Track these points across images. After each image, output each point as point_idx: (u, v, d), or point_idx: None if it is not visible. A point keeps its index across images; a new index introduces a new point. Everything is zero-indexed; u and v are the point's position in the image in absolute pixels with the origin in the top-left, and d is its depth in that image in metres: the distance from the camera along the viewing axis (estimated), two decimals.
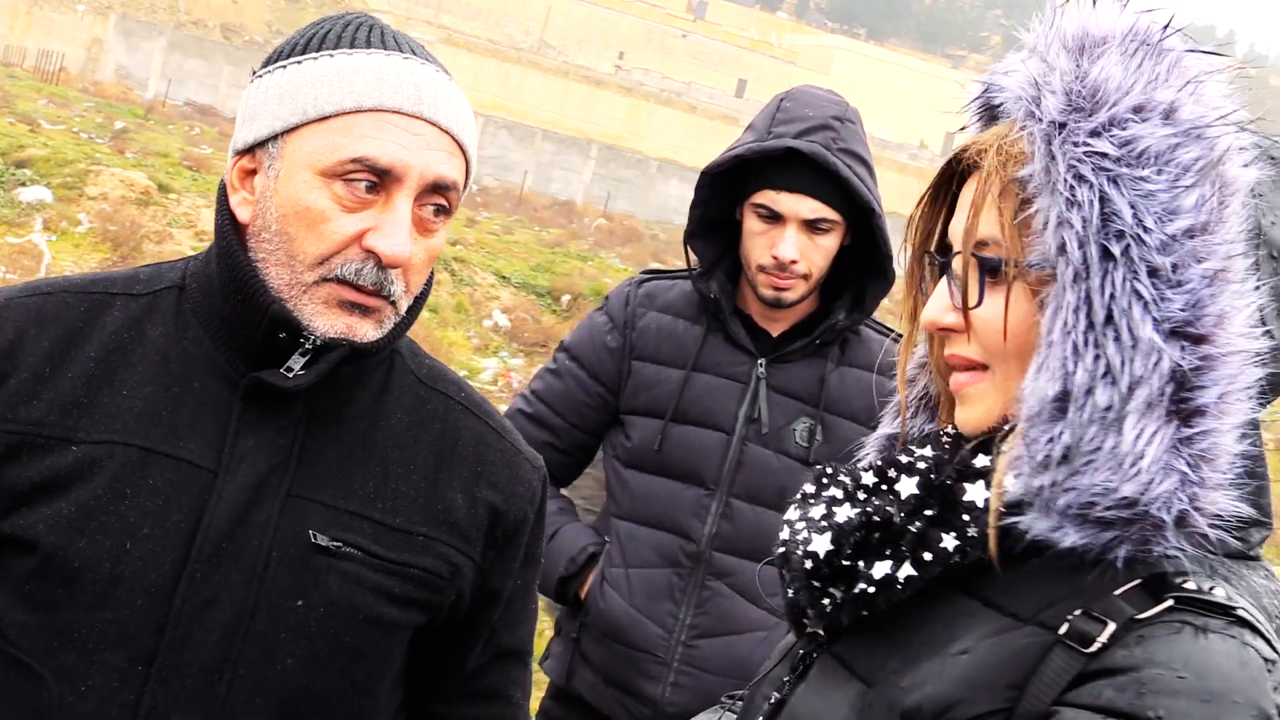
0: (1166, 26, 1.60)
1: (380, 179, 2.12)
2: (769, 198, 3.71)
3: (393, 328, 2.22)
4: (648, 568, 3.90)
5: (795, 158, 3.63)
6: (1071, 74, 1.60)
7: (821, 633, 1.81)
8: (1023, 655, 1.56)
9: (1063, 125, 1.58)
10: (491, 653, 2.48)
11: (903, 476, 1.76)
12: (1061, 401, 1.56)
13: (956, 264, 1.73)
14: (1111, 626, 1.52)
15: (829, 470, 1.90)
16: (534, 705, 2.63)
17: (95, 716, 2.10)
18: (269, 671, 2.15)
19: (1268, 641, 1.52)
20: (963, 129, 1.89)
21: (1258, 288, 1.56)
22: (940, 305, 1.73)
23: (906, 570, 1.68)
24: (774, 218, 3.71)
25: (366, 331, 2.16)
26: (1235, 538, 1.59)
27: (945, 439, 1.84)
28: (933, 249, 1.86)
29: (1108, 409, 1.53)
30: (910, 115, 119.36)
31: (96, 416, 2.17)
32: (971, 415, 1.77)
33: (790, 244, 3.66)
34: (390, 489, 2.26)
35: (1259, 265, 1.59)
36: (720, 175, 3.84)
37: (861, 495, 1.82)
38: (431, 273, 2.30)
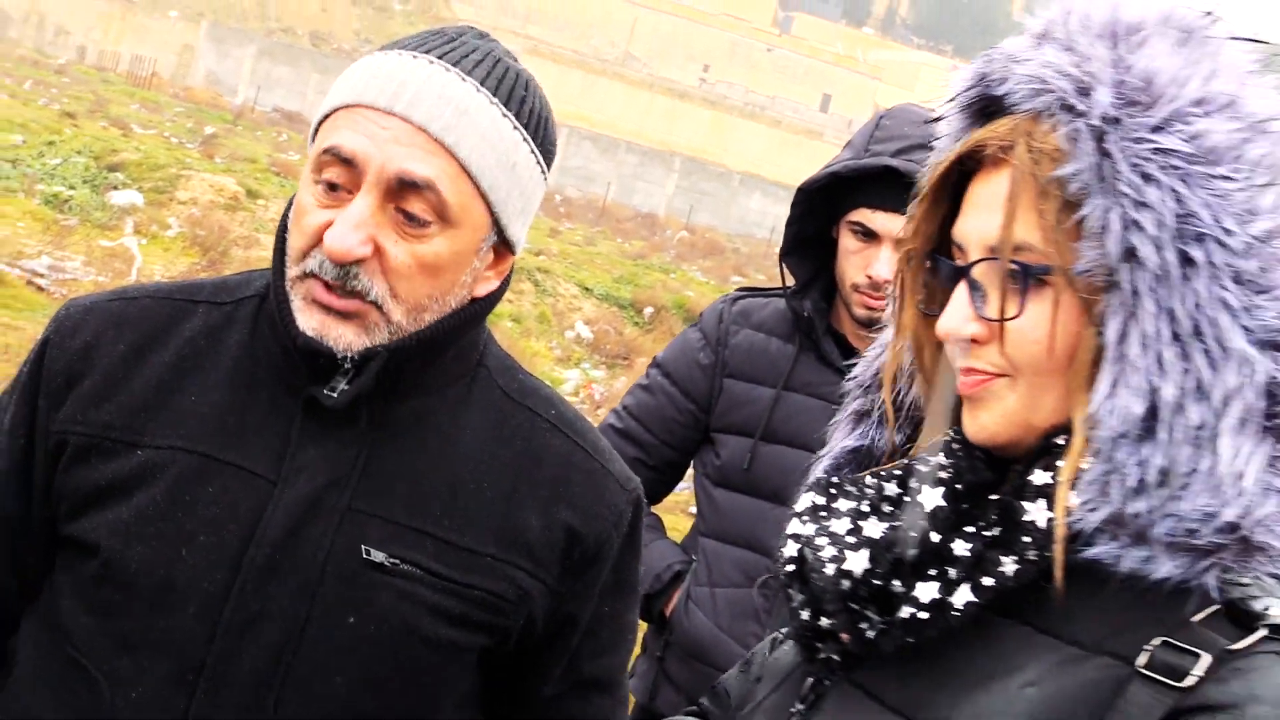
0: (1210, 14, 1.53)
1: (351, 174, 2.06)
2: (865, 216, 3.63)
3: (397, 341, 2.13)
4: (733, 587, 3.84)
5: (892, 176, 3.54)
6: (1114, 64, 1.51)
7: (836, 658, 1.71)
8: (1097, 688, 1.47)
9: (1116, 120, 1.49)
10: (571, 681, 2.39)
11: (924, 488, 1.67)
12: (1149, 421, 1.48)
13: (980, 270, 1.63)
14: (1207, 659, 1.43)
15: (835, 480, 1.83)
16: None
17: (125, 708, 2.09)
18: (320, 688, 2.12)
19: None
20: (938, 119, 1.80)
21: None
22: (961, 315, 1.62)
23: (965, 595, 1.58)
24: (869, 236, 3.64)
25: (344, 336, 2.08)
26: None
27: (956, 447, 1.72)
28: (934, 250, 1.75)
29: (1200, 427, 1.45)
30: None
31: (163, 421, 2.16)
32: (988, 421, 1.66)
33: (885, 263, 3.58)
34: (459, 507, 2.20)
35: None
36: (816, 192, 3.77)
37: (887, 508, 1.74)
38: (500, 288, 2.29)
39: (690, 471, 4.23)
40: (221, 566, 2.10)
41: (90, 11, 74.27)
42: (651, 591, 3.96)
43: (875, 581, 1.63)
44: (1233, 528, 1.45)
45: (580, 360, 22.14)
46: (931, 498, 1.66)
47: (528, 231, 2.32)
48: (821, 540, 1.72)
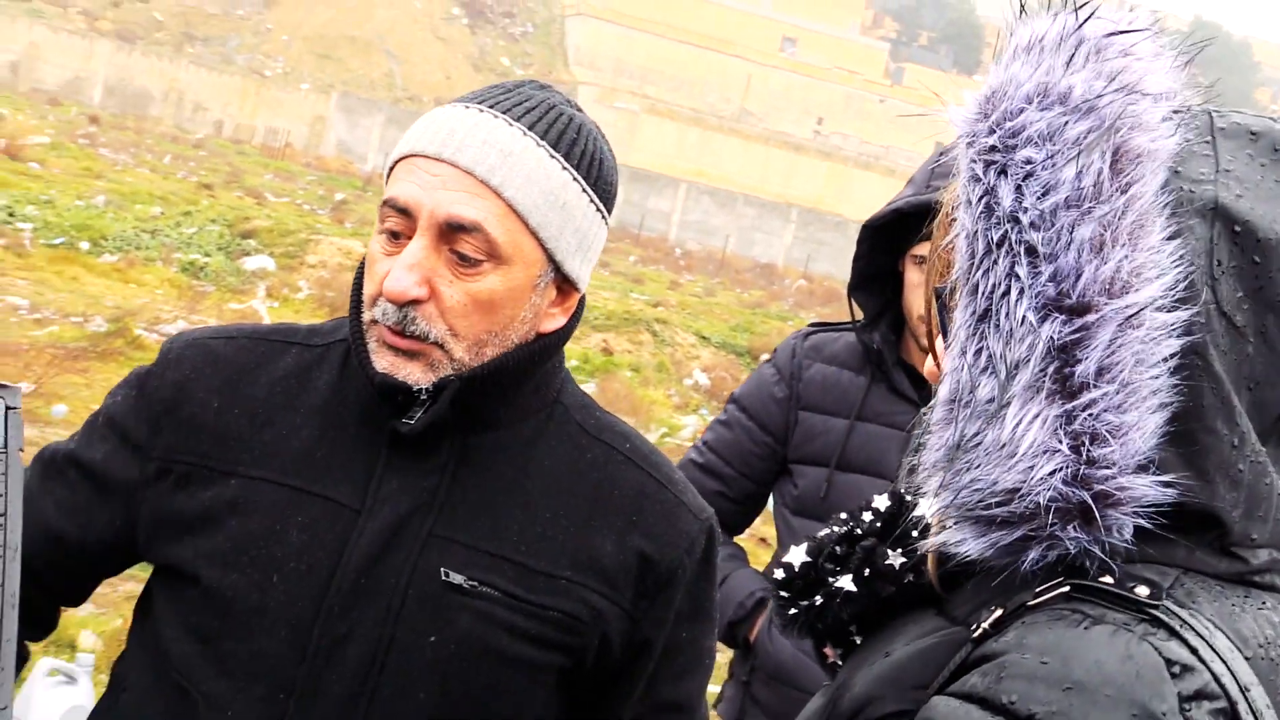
0: (1084, 16, 1.46)
1: (408, 221, 2.14)
2: (927, 250, 3.63)
3: (467, 372, 2.19)
4: None
5: None
6: (991, 84, 1.48)
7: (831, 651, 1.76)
8: (933, 654, 1.48)
9: (971, 136, 1.47)
10: (650, 704, 2.39)
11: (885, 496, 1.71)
12: (951, 404, 1.46)
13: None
14: (998, 612, 1.43)
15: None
16: None
17: (242, 700, 2.15)
18: (403, 705, 2.16)
19: (1194, 650, 1.35)
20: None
21: (1180, 254, 1.41)
22: (931, 356, 1.66)
23: (845, 582, 1.64)
24: None
25: (413, 374, 2.15)
26: (1228, 554, 1.45)
27: None
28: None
29: (989, 401, 1.41)
30: None
31: (256, 454, 2.24)
32: None
33: None
34: (535, 533, 2.23)
35: (1190, 233, 1.44)
36: (881, 229, 3.78)
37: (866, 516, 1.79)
38: (568, 325, 2.32)
39: (770, 502, 4.26)
40: (310, 592, 2.17)
41: (227, 88, 75.24)
42: (735, 618, 3.99)
43: (824, 574, 1.70)
44: (1014, 493, 1.40)
45: (698, 407, 22.14)
46: (881, 502, 1.73)
47: (591, 272, 2.35)
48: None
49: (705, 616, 2.45)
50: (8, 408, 1.74)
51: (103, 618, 8.22)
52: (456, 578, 2.17)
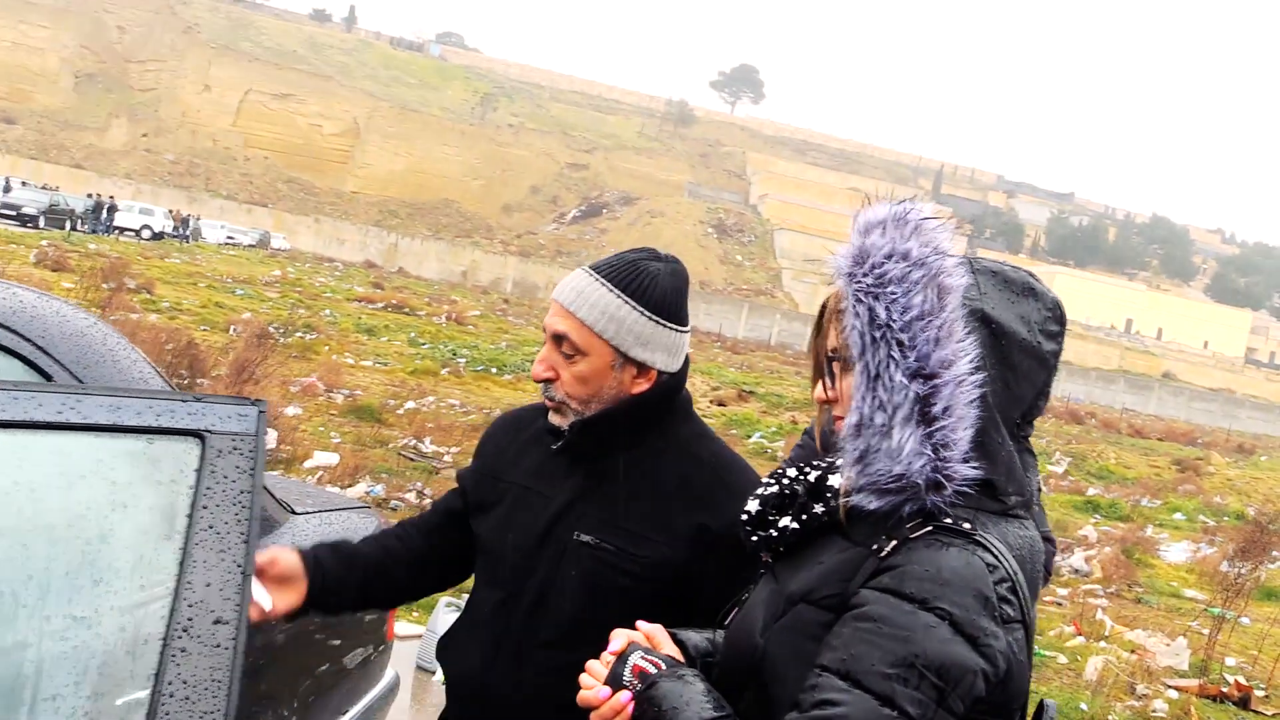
0: (910, 210, 1.60)
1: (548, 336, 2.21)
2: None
3: (585, 418, 2.19)
4: None
5: None
6: (857, 245, 1.59)
7: (768, 558, 1.79)
8: (851, 564, 1.57)
9: (850, 274, 1.57)
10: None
11: (813, 471, 1.76)
12: (858, 427, 1.56)
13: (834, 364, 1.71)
14: (894, 542, 1.53)
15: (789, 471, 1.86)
16: None
17: (486, 610, 2.27)
18: (561, 606, 2.19)
19: (996, 556, 1.51)
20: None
21: (972, 343, 1.55)
22: (821, 388, 1.73)
23: (788, 522, 1.72)
24: None
25: (558, 421, 2.22)
26: (998, 500, 1.58)
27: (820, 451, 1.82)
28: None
29: (883, 425, 1.53)
30: (1104, 309, 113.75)
31: (511, 468, 2.34)
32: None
33: None
34: (639, 511, 2.19)
35: (976, 330, 1.58)
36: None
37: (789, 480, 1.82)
38: (654, 390, 2.23)
39: None
40: (525, 543, 2.24)
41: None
42: None
43: (768, 516, 1.75)
44: (900, 476, 1.53)
45: (789, 430, 21.69)
46: (814, 473, 1.77)
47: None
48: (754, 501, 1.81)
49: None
50: (260, 411, 1.78)
51: None
52: (585, 537, 2.19)
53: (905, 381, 1.51)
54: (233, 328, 21.48)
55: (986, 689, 1.47)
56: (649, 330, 2.18)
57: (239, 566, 1.55)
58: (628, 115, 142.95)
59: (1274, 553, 13.29)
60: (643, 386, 2.21)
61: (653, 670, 1.60)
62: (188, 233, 61.43)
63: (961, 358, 1.54)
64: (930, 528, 1.52)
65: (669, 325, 2.21)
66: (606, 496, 2.20)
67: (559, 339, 2.17)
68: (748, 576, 1.86)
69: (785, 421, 23.65)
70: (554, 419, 2.22)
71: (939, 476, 1.52)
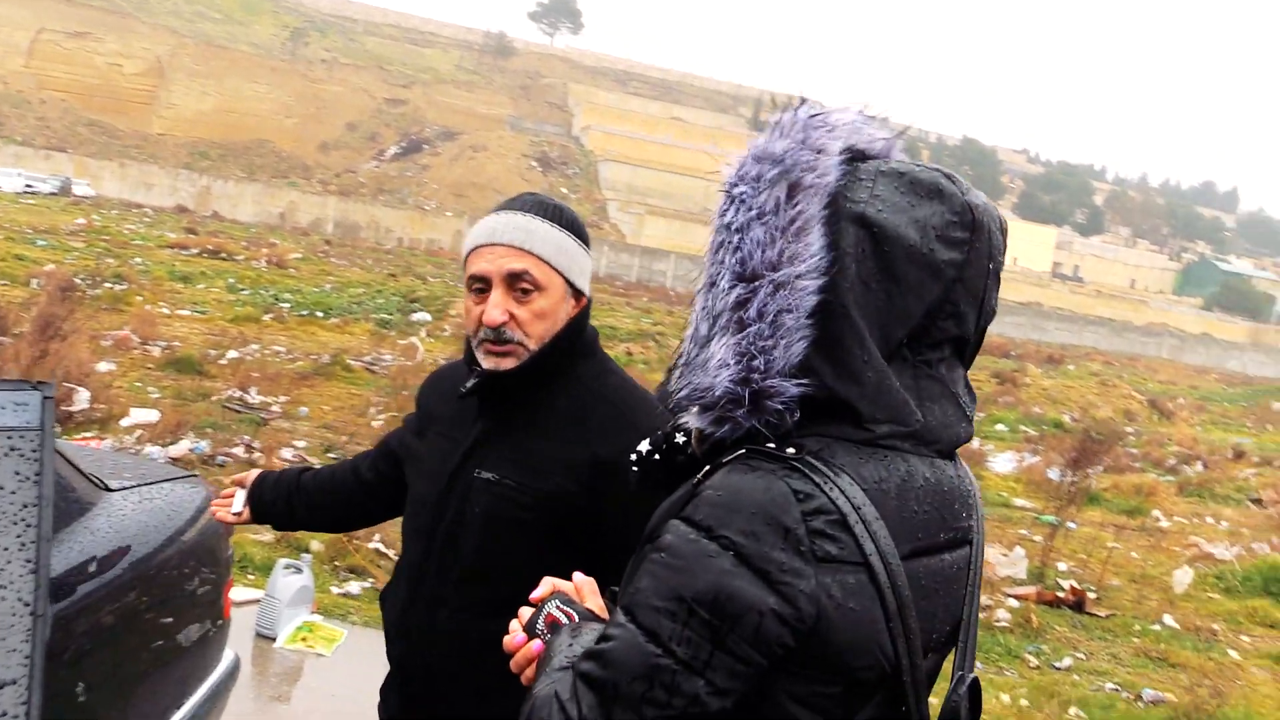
0: (797, 106, 1.44)
1: (486, 283, 2.20)
2: None
3: (530, 357, 2.21)
4: None
5: None
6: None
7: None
8: (684, 497, 1.40)
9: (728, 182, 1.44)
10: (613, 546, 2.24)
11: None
12: (691, 339, 1.43)
13: None
14: (706, 469, 1.40)
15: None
16: None
17: (409, 556, 2.34)
18: (470, 542, 2.22)
19: (818, 484, 1.32)
20: None
21: (818, 248, 1.37)
22: None
23: (651, 453, 1.59)
24: None
25: (508, 365, 2.21)
26: (861, 429, 1.38)
27: None
28: None
29: (704, 335, 1.39)
30: None
31: (432, 420, 2.42)
32: None
33: None
34: (537, 447, 2.21)
35: (847, 234, 1.43)
36: None
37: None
38: (578, 316, 2.29)
39: None
40: (437, 487, 2.28)
41: (403, 219, 75.49)
42: None
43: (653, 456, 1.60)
44: (707, 389, 1.38)
45: None
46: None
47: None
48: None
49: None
50: (45, 397, 1.50)
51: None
52: (486, 474, 2.21)
53: (725, 286, 1.38)
54: (34, 281, 20.28)
55: (794, 637, 1.30)
56: (584, 259, 2.30)
57: (26, 605, 1.16)
58: (445, 48, 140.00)
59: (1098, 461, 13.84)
60: (571, 314, 2.28)
61: (564, 621, 1.52)
62: None
63: (800, 261, 1.36)
64: (742, 451, 1.37)
65: (589, 253, 2.33)
66: (509, 434, 2.24)
67: (513, 278, 2.19)
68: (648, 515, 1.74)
69: (621, 354, 23.65)
70: (503, 364, 2.21)
71: (744, 391, 1.36)
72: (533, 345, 2.21)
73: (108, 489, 3.05)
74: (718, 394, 1.37)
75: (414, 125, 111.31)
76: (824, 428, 1.38)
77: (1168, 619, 9.75)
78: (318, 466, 2.71)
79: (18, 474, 1.30)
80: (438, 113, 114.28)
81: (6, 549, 1.24)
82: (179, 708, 3.25)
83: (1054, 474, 13.88)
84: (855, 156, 1.46)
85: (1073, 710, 7.06)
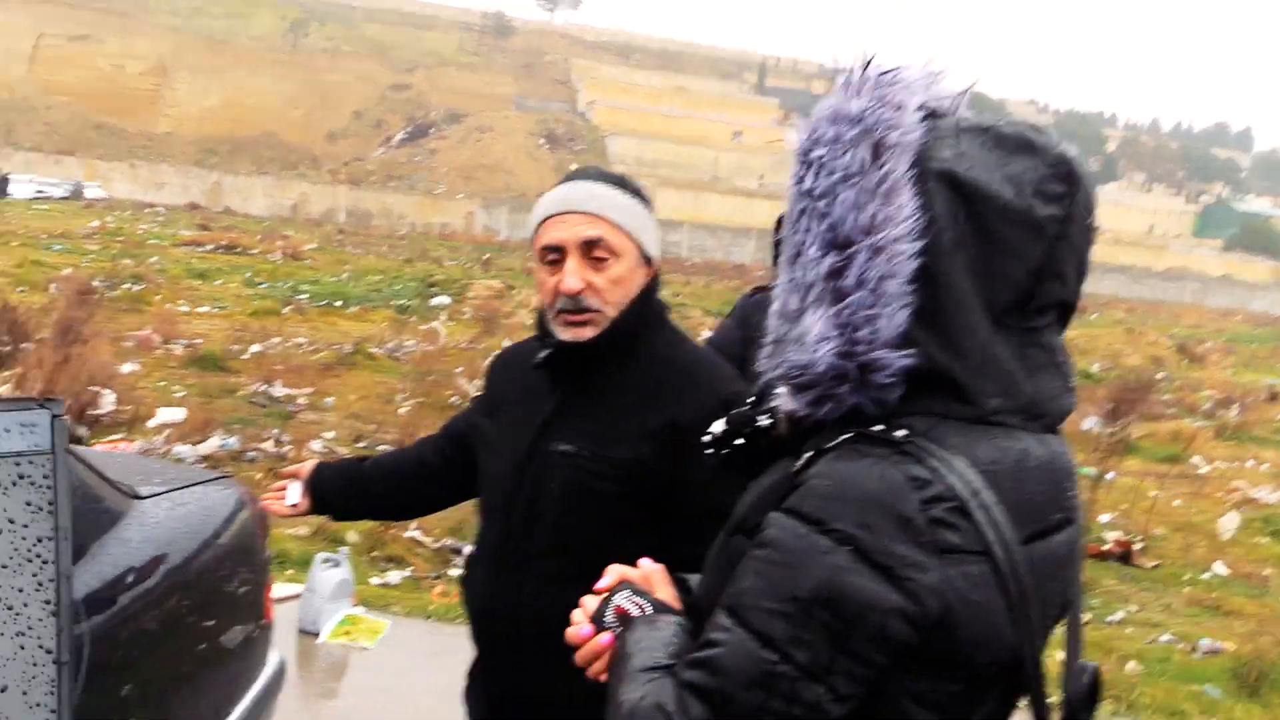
0: (868, 61, 1.33)
1: (560, 253, 2.17)
2: None
3: (609, 326, 2.17)
4: None
5: None
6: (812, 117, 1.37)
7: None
8: (778, 485, 1.33)
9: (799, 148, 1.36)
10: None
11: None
12: (780, 315, 1.34)
13: None
14: (807, 456, 1.29)
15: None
16: None
17: (488, 537, 2.31)
18: (549, 516, 2.19)
19: (934, 470, 1.22)
20: None
21: (910, 210, 1.26)
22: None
23: (721, 427, 1.51)
24: None
25: (588, 334, 2.17)
26: (969, 404, 1.28)
27: None
28: None
29: (795, 309, 1.30)
30: None
31: (504, 398, 2.39)
32: None
33: None
34: (609, 415, 2.18)
35: (938, 195, 1.29)
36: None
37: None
38: (650, 283, 2.26)
39: None
40: (514, 463, 2.24)
41: (414, 204, 75.52)
42: None
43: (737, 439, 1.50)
44: (806, 366, 1.28)
45: None
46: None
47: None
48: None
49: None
50: (54, 416, 1.38)
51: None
52: (563, 446, 2.18)
53: (817, 255, 1.29)
54: (53, 286, 20.25)
55: (917, 635, 1.21)
56: (654, 225, 2.27)
57: (49, 653, 0.99)
58: (446, 30, 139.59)
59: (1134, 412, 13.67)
60: (644, 282, 2.25)
61: (635, 613, 1.45)
62: None
63: (893, 223, 1.25)
64: (849, 434, 1.28)
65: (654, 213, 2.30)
66: (584, 406, 2.21)
67: (589, 245, 2.16)
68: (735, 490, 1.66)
69: None
70: (582, 334, 2.18)
71: (850, 365, 1.27)
72: (611, 313, 2.17)
73: (138, 496, 2.96)
74: (820, 369, 1.28)
75: (419, 110, 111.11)
76: (927, 405, 1.29)
77: (1218, 566, 9.59)
78: (380, 452, 2.69)
79: (29, 504, 1.14)
80: (442, 96, 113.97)
81: (22, 590, 1.08)
82: (228, 714, 3.16)
83: (1089, 424, 13.70)
84: (929, 114, 1.36)
85: (1130, 664, 6.91)
